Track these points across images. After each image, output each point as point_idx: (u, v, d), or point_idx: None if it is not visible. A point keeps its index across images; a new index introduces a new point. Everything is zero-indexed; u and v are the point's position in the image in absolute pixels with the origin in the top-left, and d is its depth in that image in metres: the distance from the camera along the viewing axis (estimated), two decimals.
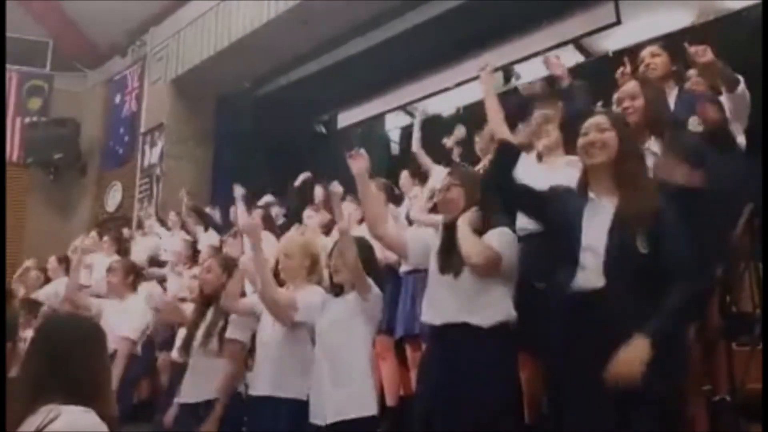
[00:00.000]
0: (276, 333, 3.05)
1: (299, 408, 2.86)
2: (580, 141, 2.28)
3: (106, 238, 6.76)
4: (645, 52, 3.31)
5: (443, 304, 2.40)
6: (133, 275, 4.48)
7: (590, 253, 2.07)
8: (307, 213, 4.96)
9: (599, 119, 2.26)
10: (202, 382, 3.28)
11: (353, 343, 2.73)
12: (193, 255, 5.50)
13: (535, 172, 2.88)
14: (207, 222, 6.33)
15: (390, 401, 3.69)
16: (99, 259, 6.03)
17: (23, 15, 8.50)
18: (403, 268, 3.91)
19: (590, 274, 2.06)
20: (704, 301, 2.43)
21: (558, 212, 2.24)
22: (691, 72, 3.56)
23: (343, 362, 2.72)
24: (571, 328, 2.06)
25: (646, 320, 1.93)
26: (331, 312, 2.83)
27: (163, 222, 6.87)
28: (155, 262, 6.10)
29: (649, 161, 2.51)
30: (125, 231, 7.16)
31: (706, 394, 2.66)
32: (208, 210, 6.67)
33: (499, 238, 2.39)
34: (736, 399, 2.69)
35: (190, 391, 3.31)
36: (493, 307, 2.31)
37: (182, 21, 7.83)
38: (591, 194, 2.19)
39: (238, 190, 5.17)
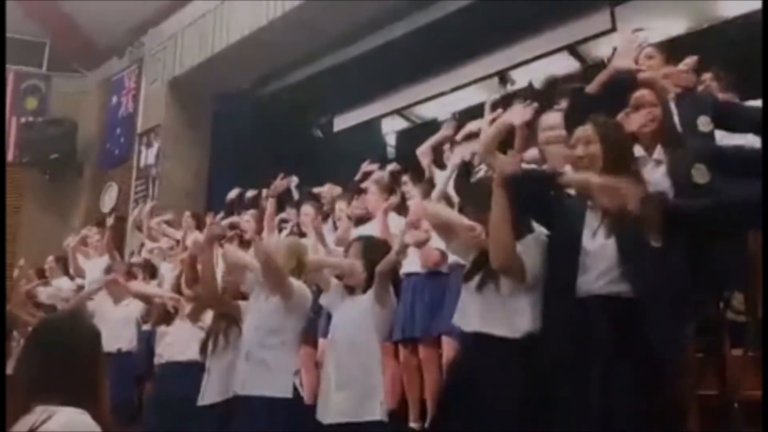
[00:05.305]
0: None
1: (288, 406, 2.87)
2: (570, 155, 2.26)
3: (97, 238, 6.74)
4: (639, 56, 3.25)
5: (470, 311, 2.33)
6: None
7: (592, 258, 2.06)
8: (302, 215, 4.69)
9: (586, 131, 2.22)
10: (218, 382, 3.33)
11: (361, 345, 2.71)
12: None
13: None
14: None
15: (389, 403, 3.69)
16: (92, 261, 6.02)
17: (21, 15, 8.47)
18: (403, 270, 3.89)
19: (596, 279, 2.05)
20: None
21: (562, 220, 2.22)
22: (706, 76, 3.52)
23: (349, 363, 2.70)
24: (577, 332, 2.05)
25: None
26: (344, 310, 2.81)
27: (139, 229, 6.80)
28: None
29: (655, 171, 2.49)
30: None
31: (702, 399, 2.66)
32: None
33: (524, 245, 2.28)
34: (732, 404, 2.69)
35: (211, 393, 3.34)
36: (518, 316, 2.22)
37: (180, 23, 7.82)
38: (589, 202, 2.16)
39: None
